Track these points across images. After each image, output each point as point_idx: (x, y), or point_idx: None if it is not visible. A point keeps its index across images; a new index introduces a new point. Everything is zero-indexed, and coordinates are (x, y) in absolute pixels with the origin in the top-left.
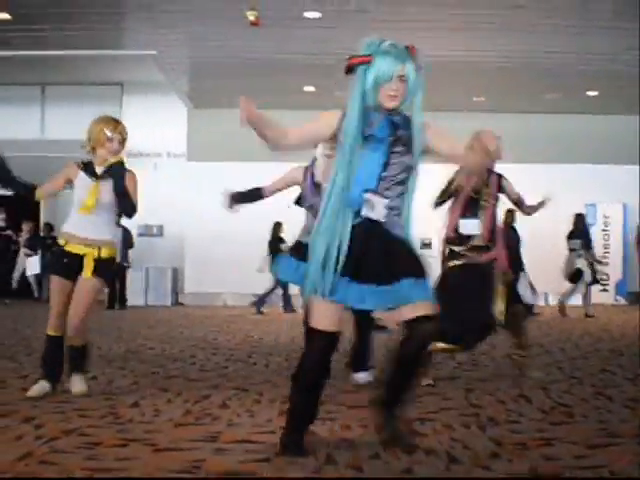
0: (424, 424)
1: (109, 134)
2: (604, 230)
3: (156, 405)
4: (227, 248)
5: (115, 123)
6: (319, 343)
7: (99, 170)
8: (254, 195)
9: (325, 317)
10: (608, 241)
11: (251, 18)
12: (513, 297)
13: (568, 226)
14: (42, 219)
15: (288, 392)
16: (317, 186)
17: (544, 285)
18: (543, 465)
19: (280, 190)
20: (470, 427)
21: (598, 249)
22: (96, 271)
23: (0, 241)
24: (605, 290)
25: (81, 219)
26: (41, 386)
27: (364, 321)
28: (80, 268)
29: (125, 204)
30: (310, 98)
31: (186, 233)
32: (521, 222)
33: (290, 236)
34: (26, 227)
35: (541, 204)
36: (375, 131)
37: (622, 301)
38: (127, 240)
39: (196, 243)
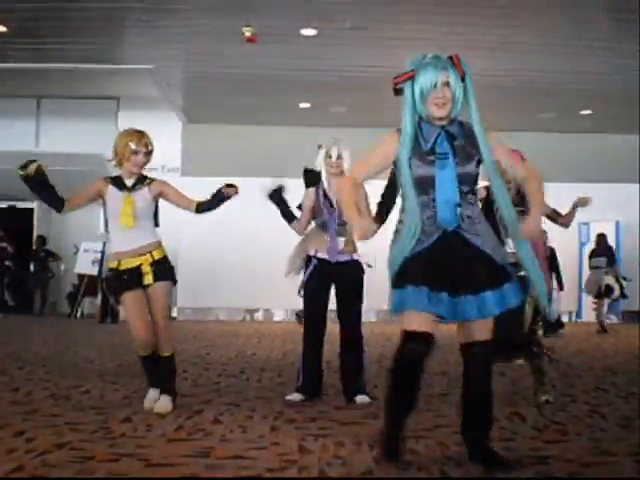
0: (417, 441)
1: (134, 147)
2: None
3: (148, 420)
4: (220, 263)
5: (140, 135)
6: (413, 344)
7: (129, 183)
8: (287, 214)
9: (420, 322)
10: None
11: (247, 34)
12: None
13: (561, 244)
14: (35, 232)
15: (281, 408)
16: (329, 203)
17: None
18: None
19: (309, 221)
20: (463, 445)
21: None
22: (157, 275)
23: None
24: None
25: (123, 234)
26: (153, 394)
27: (357, 335)
28: (140, 279)
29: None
30: (306, 114)
31: (180, 247)
32: None
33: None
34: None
35: (575, 208)
36: (435, 146)
37: (615, 320)
38: None
39: (190, 258)
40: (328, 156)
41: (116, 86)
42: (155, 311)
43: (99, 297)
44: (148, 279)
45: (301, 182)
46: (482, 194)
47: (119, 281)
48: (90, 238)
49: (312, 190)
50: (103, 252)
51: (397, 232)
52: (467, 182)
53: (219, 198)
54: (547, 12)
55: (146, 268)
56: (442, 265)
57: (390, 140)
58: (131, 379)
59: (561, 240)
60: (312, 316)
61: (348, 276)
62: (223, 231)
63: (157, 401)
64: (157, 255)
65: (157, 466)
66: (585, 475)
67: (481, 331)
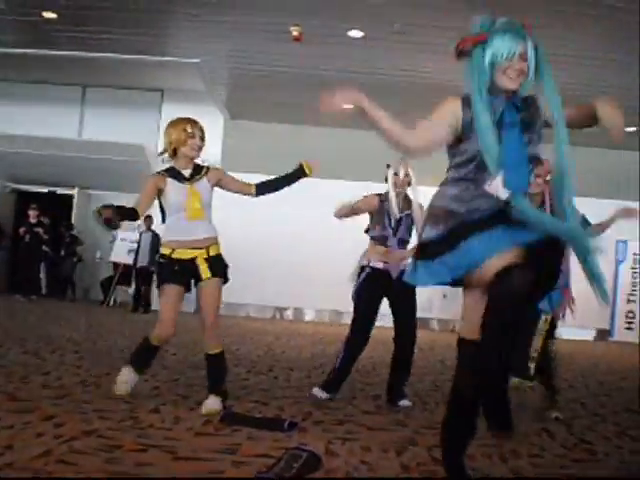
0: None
1: (189, 130)
2: (633, 268)
3: (176, 412)
4: (253, 259)
5: (192, 121)
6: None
7: (186, 174)
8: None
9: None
10: (637, 279)
11: (294, 33)
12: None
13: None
14: (74, 218)
15: (309, 409)
16: (389, 220)
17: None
18: None
19: (351, 216)
20: (492, 457)
21: (627, 286)
22: (212, 270)
23: (33, 240)
24: (630, 328)
25: (184, 224)
26: (127, 373)
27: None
28: (191, 273)
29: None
30: (348, 116)
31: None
32: None
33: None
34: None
35: (615, 218)
36: (502, 116)
37: None
38: (155, 245)
39: (228, 255)
40: (395, 174)
41: (161, 78)
42: (206, 305)
43: (133, 286)
44: (205, 274)
45: (342, 183)
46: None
47: (168, 269)
48: (127, 228)
49: (376, 198)
50: (139, 242)
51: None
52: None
53: (296, 176)
54: (580, 23)
55: (201, 262)
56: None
57: (453, 105)
58: (161, 370)
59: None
60: (360, 324)
61: (405, 291)
62: (256, 228)
63: (206, 401)
64: (213, 251)
65: (184, 459)
66: None
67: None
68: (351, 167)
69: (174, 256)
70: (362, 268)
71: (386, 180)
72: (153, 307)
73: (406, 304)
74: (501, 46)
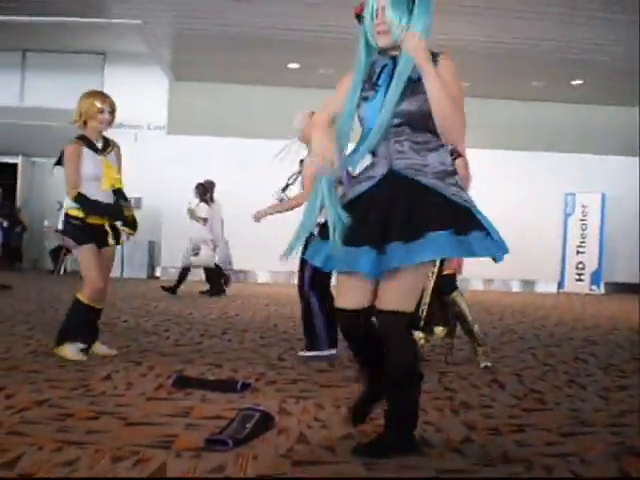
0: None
1: (99, 105)
2: (582, 220)
3: (129, 378)
4: None
5: (104, 96)
6: (342, 322)
7: (99, 145)
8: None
9: (348, 294)
10: (585, 230)
11: None
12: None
13: (545, 214)
14: (19, 187)
15: (262, 369)
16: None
17: (514, 272)
18: (515, 451)
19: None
20: (443, 410)
21: (576, 238)
22: (115, 238)
23: None
24: (580, 280)
25: (100, 193)
26: (75, 348)
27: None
28: (100, 237)
29: None
30: (294, 75)
31: (164, 206)
32: (498, 205)
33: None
34: None
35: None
36: (377, 78)
37: (597, 291)
38: None
39: (174, 216)
40: (302, 123)
41: (103, 41)
42: (107, 269)
43: None
44: (110, 240)
45: (285, 144)
46: None
47: (83, 232)
48: None
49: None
50: None
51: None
52: (415, 120)
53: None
54: None
55: (109, 229)
56: (374, 212)
57: (346, 81)
58: (113, 337)
59: (545, 210)
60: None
61: None
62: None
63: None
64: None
65: (136, 425)
66: (563, 444)
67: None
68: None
69: (88, 220)
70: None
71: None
72: None
73: None
74: (368, 4)
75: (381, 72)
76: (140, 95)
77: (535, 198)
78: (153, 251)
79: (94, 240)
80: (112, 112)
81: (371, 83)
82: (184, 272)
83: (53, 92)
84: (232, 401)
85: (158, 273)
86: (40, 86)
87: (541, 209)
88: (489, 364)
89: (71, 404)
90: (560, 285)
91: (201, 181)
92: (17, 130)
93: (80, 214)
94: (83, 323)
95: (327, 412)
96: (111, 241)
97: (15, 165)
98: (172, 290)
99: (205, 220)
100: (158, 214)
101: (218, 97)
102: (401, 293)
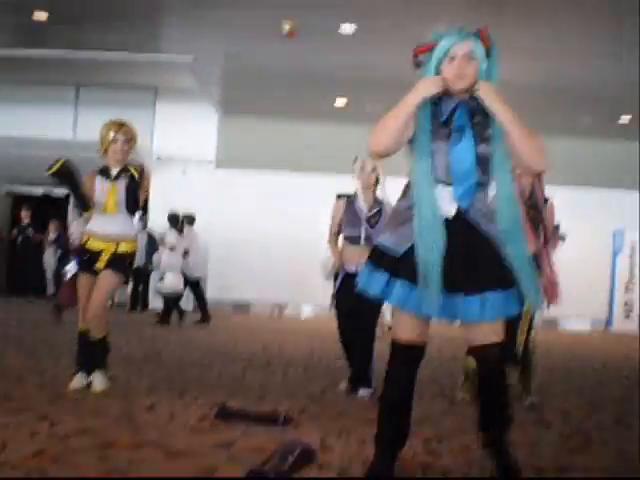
0: (441, 443)
1: (112, 135)
2: (630, 257)
3: (172, 409)
4: (251, 256)
5: (119, 125)
6: (403, 357)
7: (114, 172)
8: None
9: (410, 328)
10: (635, 269)
11: (287, 29)
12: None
13: (592, 252)
14: (69, 219)
15: (305, 403)
16: (359, 216)
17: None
18: None
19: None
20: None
21: (624, 276)
22: (112, 265)
23: (24, 240)
24: (628, 318)
25: (102, 218)
26: (79, 379)
27: (365, 334)
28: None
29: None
30: (342, 111)
31: (211, 239)
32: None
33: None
34: (52, 226)
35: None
36: (451, 119)
37: None
38: (152, 245)
39: (220, 249)
40: (362, 168)
41: (155, 76)
42: (96, 294)
43: (130, 286)
44: (99, 265)
45: (333, 177)
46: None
47: (82, 258)
48: None
49: (342, 202)
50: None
51: (398, 210)
52: (483, 163)
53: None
54: (586, 14)
55: (105, 254)
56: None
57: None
58: (157, 367)
59: (592, 247)
60: (343, 328)
61: None
62: (254, 224)
63: (93, 379)
64: (122, 248)
65: (178, 455)
66: None
67: (491, 333)
68: (346, 161)
69: (87, 246)
70: (336, 275)
71: (358, 176)
72: (150, 306)
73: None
74: (443, 46)
75: (452, 114)
76: (189, 129)
77: (582, 235)
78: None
79: (88, 267)
80: (128, 141)
81: (441, 122)
82: (167, 301)
83: None
84: (274, 434)
85: None
86: (93, 120)
87: (588, 246)
88: (535, 401)
89: (114, 433)
90: (608, 323)
91: (174, 211)
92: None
93: (83, 240)
94: (79, 350)
95: (369, 448)
96: (97, 266)
97: (67, 197)
98: (162, 320)
99: (172, 248)
100: (204, 247)
101: (266, 132)
102: (495, 326)
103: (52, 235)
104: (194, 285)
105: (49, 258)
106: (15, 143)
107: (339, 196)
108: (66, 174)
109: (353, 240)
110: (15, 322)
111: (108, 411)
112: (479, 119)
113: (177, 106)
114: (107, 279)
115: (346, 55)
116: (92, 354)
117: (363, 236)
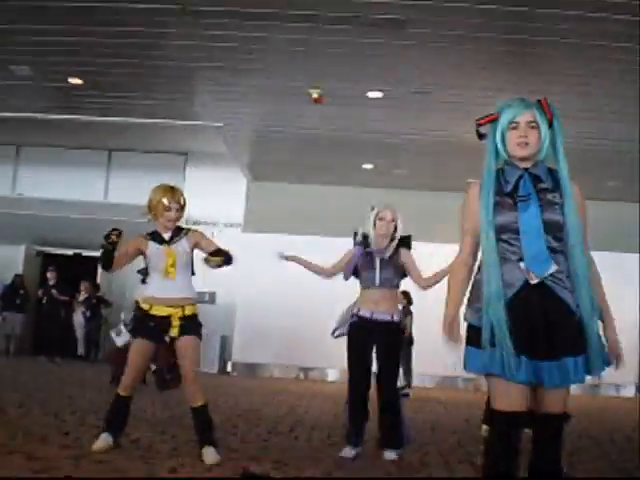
0: None
1: (166, 203)
2: None
3: (194, 473)
4: (278, 319)
5: (172, 192)
6: (503, 426)
7: (166, 236)
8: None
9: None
10: None
11: (314, 95)
12: None
13: (624, 315)
14: (99, 279)
15: (329, 469)
16: (372, 262)
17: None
18: None
19: (335, 273)
20: None
21: None
22: (185, 329)
23: (50, 301)
24: None
25: (162, 283)
26: (105, 439)
27: (392, 395)
28: (166, 329)
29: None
30: (369, 175)
31: (238, 302)
32: None
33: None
34: (83, 286)
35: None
36: (516, 189)
37: None
38: None
39: (247, 312)
40: (379, 218)
41: (185, 141)
42: (183, 362)
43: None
44: (174, 332)
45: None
46: None
47: (143, 324)
48: None
49: (355, 249)
50: None
51: (475, 285)
52: (553, 229)
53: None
54: (616, 78)
55: (174, 320)
56: (521, 322)
57: (472, 194)
58: (180, 430)
59: (623, 313)
60: (354, 373)
61: (387, 336)
62: (281, 288)
63: (205, 454)
64: (188, 311)
65: None
66: None
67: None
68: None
69: (151, 312)
70: (352, 316)
71: (374, 225)
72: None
73: (390, 350)
74: (507, 114)
75: (517, 183)
76: (218, 193)
77: (613, 301)
78: (225, 346)
79: (148, 334)
80: (181, 208)
81: (505, 193)
82: None
83: (136, 189)
84: None
85: (229, 368)
86: (124, 184)
87: (619, 312)
88: (564, 469)
89: None
90: (639, 388)
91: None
92: (101, 225)
93: (145, 306)
94: (110, 410)
95: None
96: (171, 335)
97: (96, 258)
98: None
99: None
100: (232, 309)
101: (294, 197)
102: (564, 396)
103: (83, 295)
104: None
105: (78, 318)
106: (49, 205)
107: (356, 234)
108: (117, 242)
109: (368, 282)
110: (41, 382)
111: (131, 473)
112: (544, 185)
113: (207, 170)
114: (191, 344)
115: (372, 120)
116: (201, 426)
117: (378, 282)
